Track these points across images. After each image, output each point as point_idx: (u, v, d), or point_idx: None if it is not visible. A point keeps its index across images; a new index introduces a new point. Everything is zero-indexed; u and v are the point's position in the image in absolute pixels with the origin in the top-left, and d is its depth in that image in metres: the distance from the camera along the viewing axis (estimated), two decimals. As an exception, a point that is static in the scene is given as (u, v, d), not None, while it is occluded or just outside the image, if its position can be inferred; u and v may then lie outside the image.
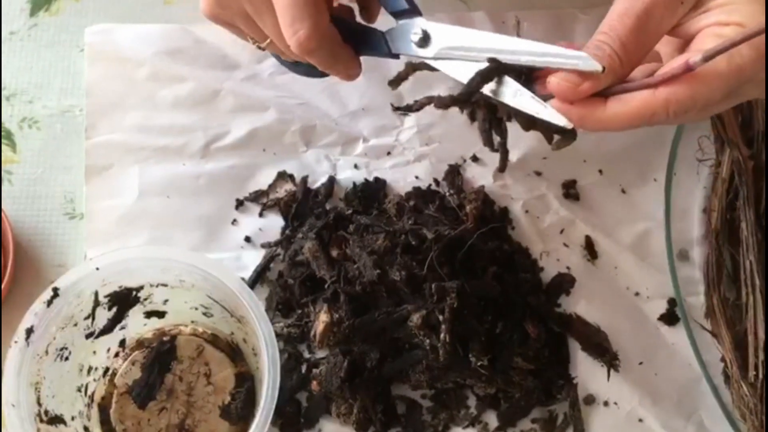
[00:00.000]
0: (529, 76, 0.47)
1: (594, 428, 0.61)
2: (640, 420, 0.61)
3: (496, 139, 0.50)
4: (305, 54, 0.48)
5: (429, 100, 0.50)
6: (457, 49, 0.48)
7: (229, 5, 0.50)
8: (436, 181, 0.67)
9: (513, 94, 0.46)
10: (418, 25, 0.49)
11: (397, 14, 0.50)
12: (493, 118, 0.49)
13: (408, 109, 0.52)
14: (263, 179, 0.67)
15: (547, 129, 0.47)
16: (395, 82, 0.52)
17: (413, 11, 0.49)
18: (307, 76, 0.60)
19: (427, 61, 0.49)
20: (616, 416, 0.61)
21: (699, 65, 0.39)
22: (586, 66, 0.42)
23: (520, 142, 0.68)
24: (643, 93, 0.42)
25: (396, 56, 0.51)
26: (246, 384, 0.59)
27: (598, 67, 0.42)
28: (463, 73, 0.48)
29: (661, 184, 0.67)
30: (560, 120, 0.44)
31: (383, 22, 0.53)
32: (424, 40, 0.49)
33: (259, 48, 0.54)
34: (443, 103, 0.48)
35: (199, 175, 0.66)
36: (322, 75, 0.56)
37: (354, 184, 0.66)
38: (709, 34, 0.42)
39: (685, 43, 0.45)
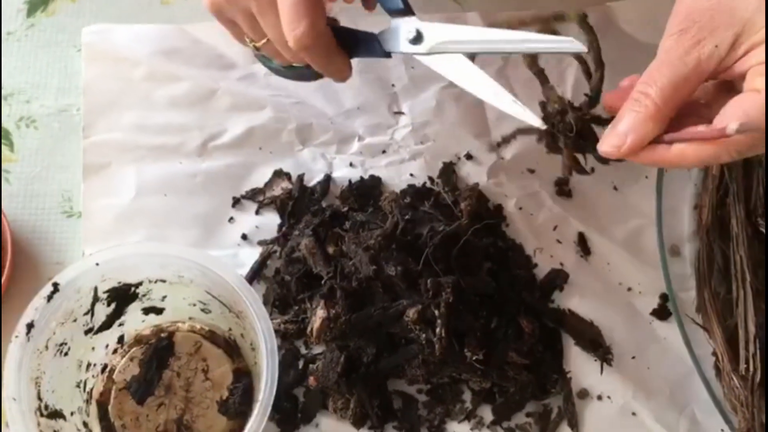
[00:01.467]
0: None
1: (587, 422, 0.62)
2: (634, 413, 0.62)
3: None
4: (302, 50, 0.50)
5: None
6: (449, 43, 0.50)
7: (235, 1, 0.51)
8: (430, 178, 0.68)
9: (494, 94, 0.49)
10: (411, 24, 0.51)
11: (392, 12, 0.52)
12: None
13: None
14: (260, 177, 0.67)
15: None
16: None
17: (407, 11, 0.51)
18: (297, 79, 0.61)
19: (419, 58, 0.51)
20: (609, 410, 0.62)
21: (732, 133, 0.41)
22: (572, 49, 0.46)
23: (514, 140, 0.69)
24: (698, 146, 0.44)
25: (389, 55, 0.53)
26: (244, 380, 0.59)
27: (582, 49, 0.46)
28: (452, 69, 0.51)
29: (652, 181, 0.68)
30: (536, 121, 0.48)
31: (375, 24, 0.54)
32: (417, 38, 0.51)
33: (255, 48, 0.55)
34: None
35: (196, 174, 0.66)
36: (312, 78, 0.57)
37: (350, 181, 0.67)
38: (755, 74, 0.43)
39: (735, 82, 0.46)
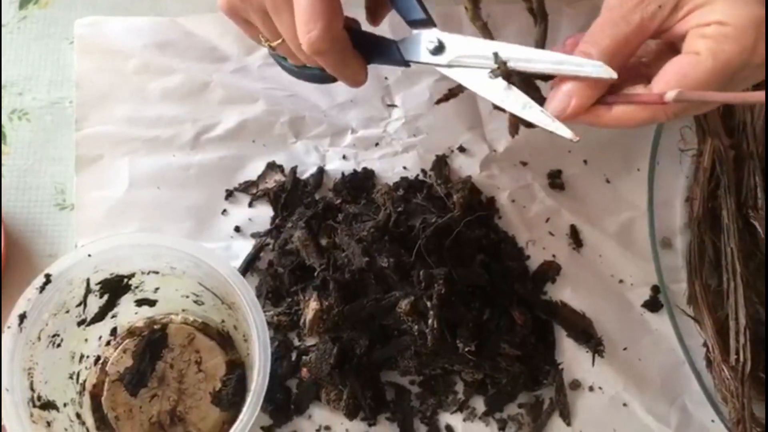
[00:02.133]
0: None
1: (579, 413, 0.62)
2: (625, 404, 0.62)
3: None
4: (316, 54, 0.48)
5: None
6: (471, 57, 0.49)
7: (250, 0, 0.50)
8: (423, 171, 0.68)
9: (522, 106, 0.48)
10: (433, 34, 0.50)
11: (413, 23, 0.51)
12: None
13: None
14: (253, 170, 0.67)
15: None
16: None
17: (428, 22, 0.50)
18: (312, 81, 0.58)
19: (440, 69, 0.50)
20: (601, 401, 0.62)
21: (670, 101, 0.42)
22: (599, 73, 0.44)
23: (506, 132, 0.69)
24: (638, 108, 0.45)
25: (407, 64, 0.52)
26: (237, 371, 0.60)
27: (613, 75, 0.44)
28: (476, 81, 0.49)
29: (644, 173, 0.68)
30: (566, 133, 0.46)
31: (395, 31, 0.54)
32: (439, 49, 0.50)
33: (270, 48, 0.54)
34: None
35: (189, 166, 0.67)
36: (326, 80, 0.55)
37: (343, 174, 0.67)
38: (695, 36, 0.44)
39: (676, 42, 0.46)
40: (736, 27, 0.42)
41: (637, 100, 0.44)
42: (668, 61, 0.44)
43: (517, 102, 0.48)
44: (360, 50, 0.51)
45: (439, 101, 0.58)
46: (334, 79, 0.54)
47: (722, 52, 0.42)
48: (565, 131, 0.46)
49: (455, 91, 0.57)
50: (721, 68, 0.43)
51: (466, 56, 0.49)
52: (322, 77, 0.54)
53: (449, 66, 0.50)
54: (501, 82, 0.48)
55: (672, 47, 0.46)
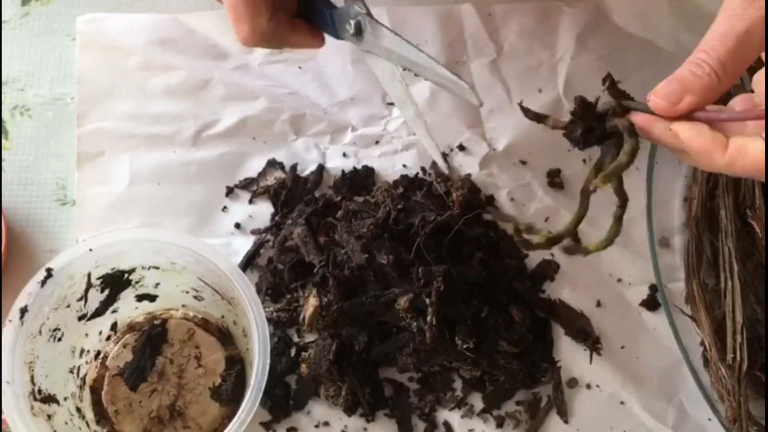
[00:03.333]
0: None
1: (577, 410, 0.62)
2: (622, 402, 0.63)
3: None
4: (254, 47, 0.54)
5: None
6: (382, 49, 0.52)
7: None
8: (423, 169, 0.68)
9: (413, 115, 0.56)
10: (355, 13, 0.52)
11: None
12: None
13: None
14: (253, 167, 0.68)
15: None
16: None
17: None
18: None
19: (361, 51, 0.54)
20: (598, 399, 0.63)
21: None
22: (463, 95, 0.49)
23: (506, 131, 0.70)
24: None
25: (339, 37, 0.54)
26: (236, 367, 0.60)
27: (475, 102, 0.48)
28: (385, 74, 0.55)
29: (642, 173, 0.68)
30: (443, 166, 0.59)
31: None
32: (357, 32, 0.52)
33: None
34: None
35: (190, 163, 0.67)
36: None
37: (343, 172, 0.67)
38: None
39: None
40: None
41: (737, 117, 0.42)
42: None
43: (409, 109, 0.56)
44: (306, 17, 0.54)
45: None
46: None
47: None
48: (441, 163, 0.55)
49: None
50: None
51: (377, 47, 0.52)
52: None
53: (367, 52, 0.53)
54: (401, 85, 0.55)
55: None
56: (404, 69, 0.53)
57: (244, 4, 0.50)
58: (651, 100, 0.44)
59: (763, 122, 0.42)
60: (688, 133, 0.43)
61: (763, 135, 0.41)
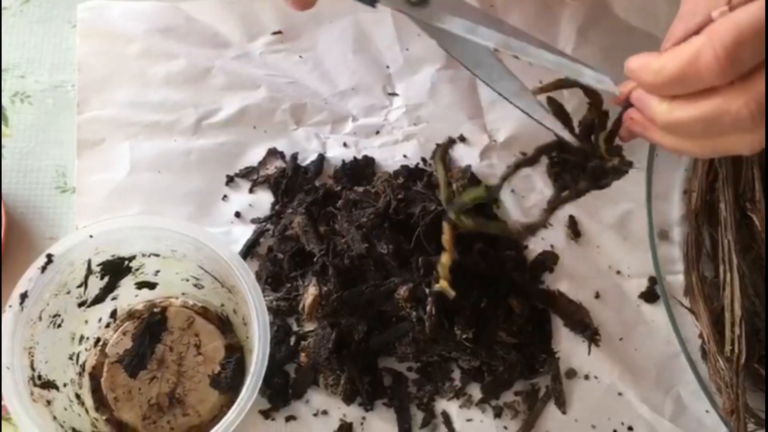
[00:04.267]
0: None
1: (575, 401, 0.62)
2: (620, 394, 0.63)
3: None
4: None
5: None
6: (457, 26, 0.46)
7: None
8: (423, 159, 0.68)
9: (514, 93, 0.48)
10: None
11: None
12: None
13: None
14: (253, 156, 0.68)
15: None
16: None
17: None
18: None
19: (415, 21, 0.47)
20: (596, 390, 0.63)
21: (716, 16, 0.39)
22: (601, 84, 0.45)
23: (507, 123, 0.70)
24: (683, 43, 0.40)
25: (373, 3, 0.47)
26: (235, 355, 0.60)
27: (615, 90, 0.44)
28: (464, 52, 0.47)
29: (643, 166, 0.68)
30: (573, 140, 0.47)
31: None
32: (423, 0, 0.46)
33: None
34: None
35: (190, 151, 0.67)
36: None
37: (343, 161, 0.67)
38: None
39: None
40: None
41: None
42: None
43: (510, 88, 0.47)
44: None
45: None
46: None
47: None
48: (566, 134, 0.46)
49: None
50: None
51: (450, 22, 0.45)
52: None
53: (428, 22, 0.46)
54: (494, 63, 0.47)
55: None
56: (495, 49, 0.46)
57: None
58: (622, 89, 0.45)
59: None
60: (630, 62, 0.43)
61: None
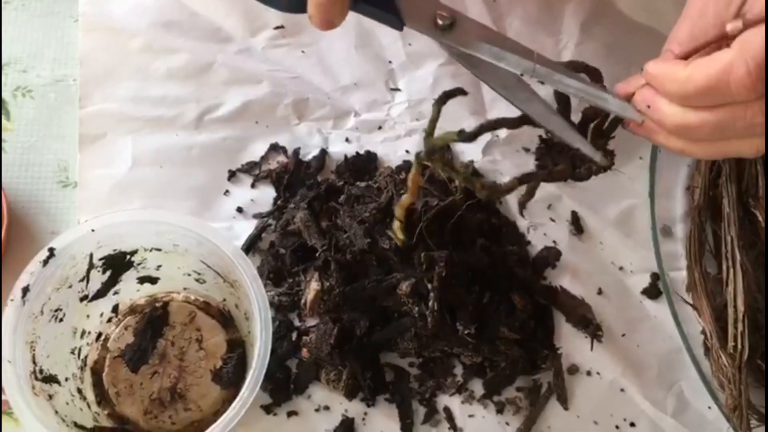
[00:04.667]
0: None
1: (577, 397, 0.62)
2: (622, 390, 0.63)
3: None
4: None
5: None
6: (484, 52, 0.46)
7: None
8: (426, 154, 0.68)
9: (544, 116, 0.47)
10: (442, 6, 0.46)
11: None
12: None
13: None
14: (256, 151, 0.67)
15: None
16: None
17: None
18: (269, 5, 0.52)
19: (443, 46, 0.47)
20: (598, 386, 0.63)
21: (738, 30, 0.39)
22: (623, 112, 0.45)
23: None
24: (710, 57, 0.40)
25: (401, 27, 0.47)
26: (237, 350, 0.60)
27: (636, 117, 0.44)
28: (492, 76, 0.47)
29: (646, 162, 0.68)
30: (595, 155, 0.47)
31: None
32: (450, 26, 0.46)
33: None
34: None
35: (192, 146, 0.67)
36: (290, 8, 0.49)
37: (345, 157, 0.67)
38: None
39: None
40: None
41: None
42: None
43: (538, 110, 0.47)
44: None
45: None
46: (301, 9, 0.47)
47: None
48: (595, 155, 0.46)
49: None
50: None
51: (478, 49, 0.46)
52: (288, 5, 0.49)
53: (457, 49, 0.46)
54: (522, 86, 0.47)
55: None
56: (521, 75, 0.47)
57: None
58: (618, 89, 0.45)
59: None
60: (651, 66, 0.43)
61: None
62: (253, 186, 0.66)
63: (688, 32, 0.43)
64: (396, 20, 0.47)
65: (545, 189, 0.68)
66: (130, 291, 0.60)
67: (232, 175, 0.66)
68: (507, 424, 0.61)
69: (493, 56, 0.47)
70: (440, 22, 0.46)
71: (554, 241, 0.67)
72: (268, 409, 0.59)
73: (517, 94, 0.48)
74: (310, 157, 0.67)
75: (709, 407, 0.62)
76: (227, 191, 0.66)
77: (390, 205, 0.60)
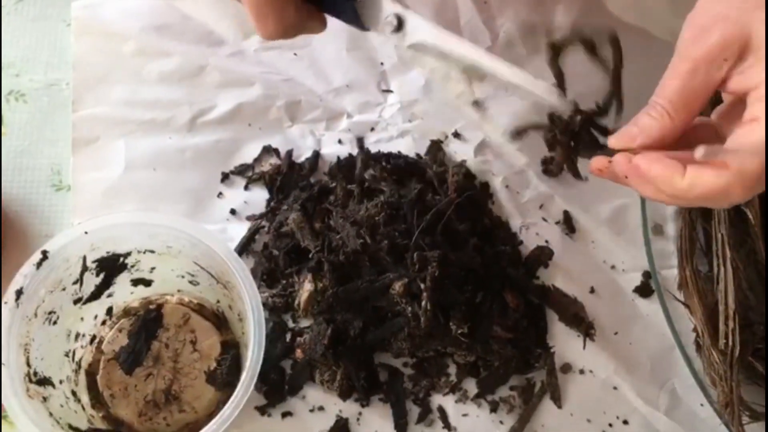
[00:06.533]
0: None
1: (570, 396, 0.63)
2: (615, 388, 0.63)
3: None
4: (275, 40, 0.49)
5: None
6: (430, 48, 0.49)
7: None
8: (418, 156, 0.69)
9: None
10: (390, 7, 0.49)
11: None
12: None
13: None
14: (249, 153, 0.68)
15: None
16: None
17: None
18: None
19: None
20: (591, 384, 0.63)
21: (699, 158, 0.40)
22: (545, 96, 0.47)
23: (501, 118, 0.70)
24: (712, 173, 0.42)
25: (366, 29, 0.50)
26: (231, 351, 0.60)
27: (554, 102, 0.47)
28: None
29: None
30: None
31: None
32: (398, 27, 0.49)
33: None
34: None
35: (185, 149, 0.67)
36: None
37: (338, 158, 0.68)
38: (755, 99, 0.42)
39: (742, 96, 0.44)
40: None
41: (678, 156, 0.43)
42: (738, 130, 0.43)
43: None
44: (317, 3, 0.49)
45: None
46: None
47: None
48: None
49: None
50: None
51: (423, 44, 0.49)
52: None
53: (409, 47, 0.49)
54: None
55: (743, 103, 0.44)
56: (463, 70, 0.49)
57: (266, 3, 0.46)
58: (609, 141, 0.46)
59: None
60: (646, 162, 0.44)
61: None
62: (246, 188, 0.67)
63: (678, 92, 0.44)
64: (360, 24, 0.49)
65: (537, 189, 0.69)
66: (124, 293, 0.60)
67: (225, 177, 0.67)
68: (501, 422, 0.61)
69: (438, 55, 0.49)
70: (391, 23, 0.49)
71: (546, 241, 0.67)
72: (262, 410, 0.59)
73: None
74: (303, 158, 0.68)
75: (702, 404, 0.62)
76: (220, 193, 0.66)
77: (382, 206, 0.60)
